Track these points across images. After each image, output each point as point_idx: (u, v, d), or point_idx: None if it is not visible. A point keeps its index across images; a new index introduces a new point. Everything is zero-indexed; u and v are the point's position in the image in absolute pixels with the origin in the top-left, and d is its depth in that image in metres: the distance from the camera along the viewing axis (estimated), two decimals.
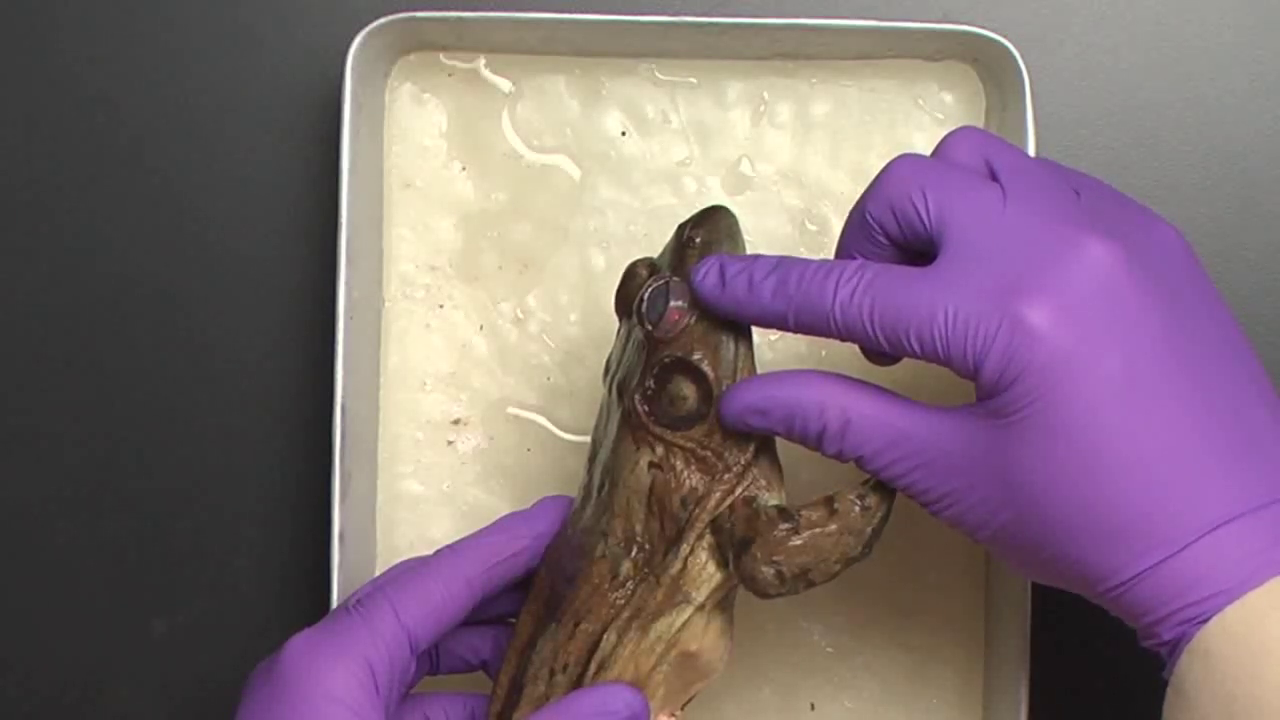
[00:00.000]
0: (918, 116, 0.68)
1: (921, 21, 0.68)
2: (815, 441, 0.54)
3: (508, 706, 0.58)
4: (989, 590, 0.66)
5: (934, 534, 0.66)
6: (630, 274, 0.59)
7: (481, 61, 0.68)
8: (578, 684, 0.57)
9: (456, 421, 0.68)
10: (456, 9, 0.66)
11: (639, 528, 0.57)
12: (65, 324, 0.69)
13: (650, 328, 0.57)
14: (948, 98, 0.68)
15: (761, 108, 0.68)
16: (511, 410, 0.68)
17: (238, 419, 0.69)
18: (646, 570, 0.56)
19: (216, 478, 0.69)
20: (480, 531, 0.59)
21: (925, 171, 0.54)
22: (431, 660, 0.60)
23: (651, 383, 0.57)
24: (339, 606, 0.57)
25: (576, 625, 0.57)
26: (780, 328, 0.55)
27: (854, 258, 0.55)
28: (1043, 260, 0.51)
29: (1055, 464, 0.51)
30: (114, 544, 0.69)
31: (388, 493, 0.67)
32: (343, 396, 0.63)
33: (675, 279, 0.57)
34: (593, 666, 0.56)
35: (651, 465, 0.56)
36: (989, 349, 0.51)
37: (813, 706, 0.67)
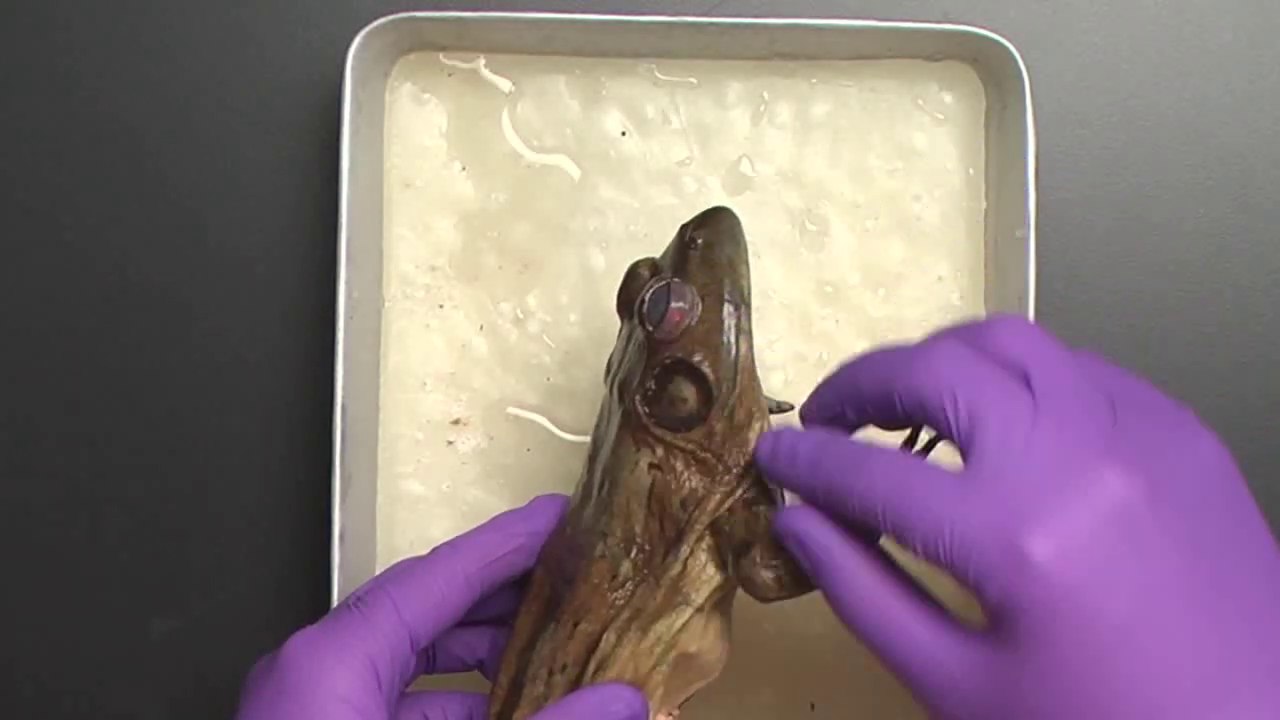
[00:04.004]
0: (918, 116, 0.68)
1: (921, 21, 0.68)
2: (828, 597, 0.53)
3: (507, 707, 0.58)
4: None
5: None
6: (632, 274, 0.59)
7: (481, 61, 0.68)
8: (576, 684, 0.57)
9: (456, 421, 0.68)
10: (456, 9, 0.66)
11: (639, 529, 0.57)
12: (65, 324, 0.69)
13: (651, 328, 0.56)
14: (948, 98, 0.68)
15: (761, 108, 0.68)
16: (511, 410, 0.68)
17: (238, 419, 0.69)
18: (646, 571, 0.56)
19: (216, 477, 0.69)
20: (476, 529, 0.59)
21: (961, 368, 0.52)
22: (428, 659, 0.60)
23: (652, 384, 0.56)
24: (340, 604, 0.57)
25: (575, 625, 0.57)
26: (814, 503, 0.54)
27: (849, 421, 0.54)
28: (1057, 492, 0.49)
29: (1059, 703, 0.49)
30: (114, 544, 0.69)
31: (388, 493, 0.67)
32: (343, 396, 0.63)
33: (676, 280, 0.57)
34: (591, 667, 0.56)
35: (652, 466, 0.56)
36: (989, 578, 0.49)
37: (813, 706, 0.67)
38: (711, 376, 0.56)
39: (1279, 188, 0.69)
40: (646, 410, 0.56)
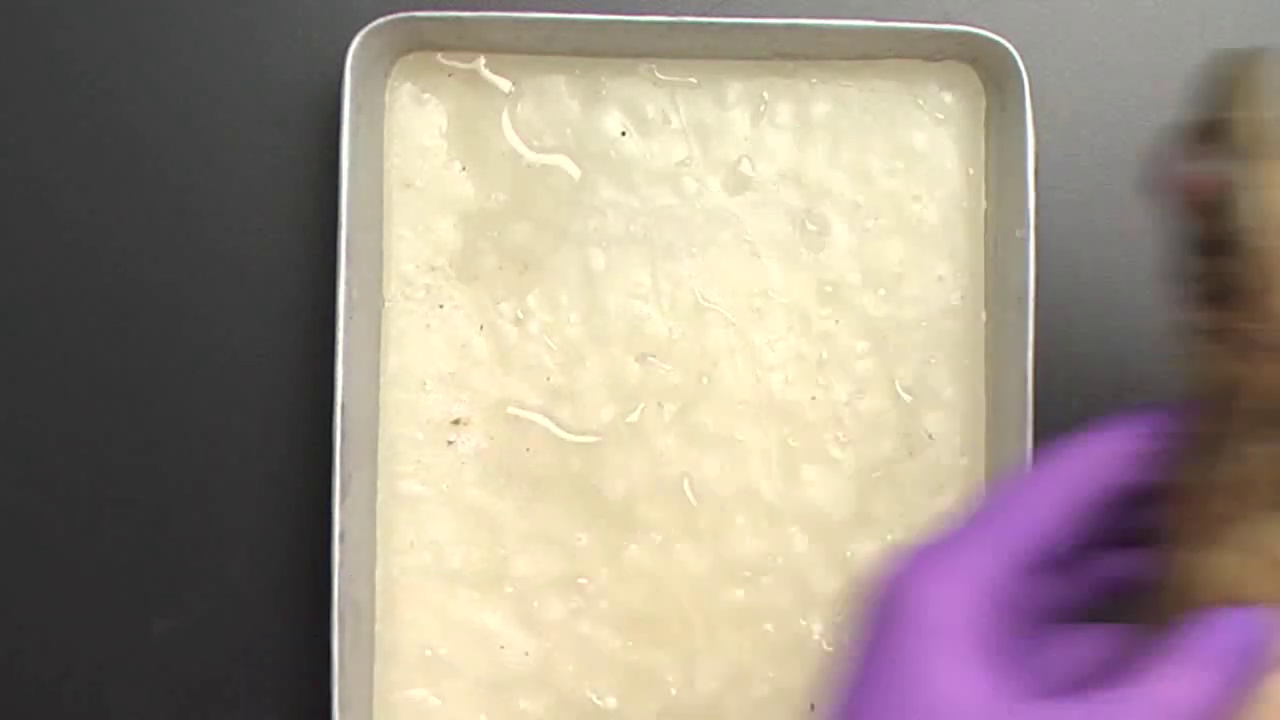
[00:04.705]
0: (918, 116, 0.68)
1: (921, 21, 0.68)
2: None
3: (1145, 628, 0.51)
4: None
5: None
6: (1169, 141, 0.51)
7: (481, 61, 0.68)
8: (1167, 610, 0.50)
9: (456, 421, 0.68)
10: (456, 9, 0.66)
11: (1198, 430, 0.50)
12: (65, 324, 0.69)
13: (1175, 200, 0.50)
14: (948, 98, 0.68)
15: (761, 108, 0.68)
16: (511, 410, 0.68)
17: (238, 419, 0.69)
18: (1212, 475, 0.50)
19: (216, 477, 0.69)
20: (1077, 437, 0.52)
21: None
22: (1074, 586, 0.54)
23: (1186, 264, 0.50)
24: (946, 531, 0.51)
25: (1167, 546, 0.50)
26: None
27: None
28: None
29: None
30: (114, 544, 0.69)
31: (388, 493, 0.67)
32: (343, 396, 0.63)
33: (1187, 132, 0.49)
34: (1183, 590, 0.50)
35: (1199, 357, 0.50)
36: None
37: (813, 706, 0.67)
38: (1238, 241, 0.49)
39: None
40: (1183, 293, 0.50)
